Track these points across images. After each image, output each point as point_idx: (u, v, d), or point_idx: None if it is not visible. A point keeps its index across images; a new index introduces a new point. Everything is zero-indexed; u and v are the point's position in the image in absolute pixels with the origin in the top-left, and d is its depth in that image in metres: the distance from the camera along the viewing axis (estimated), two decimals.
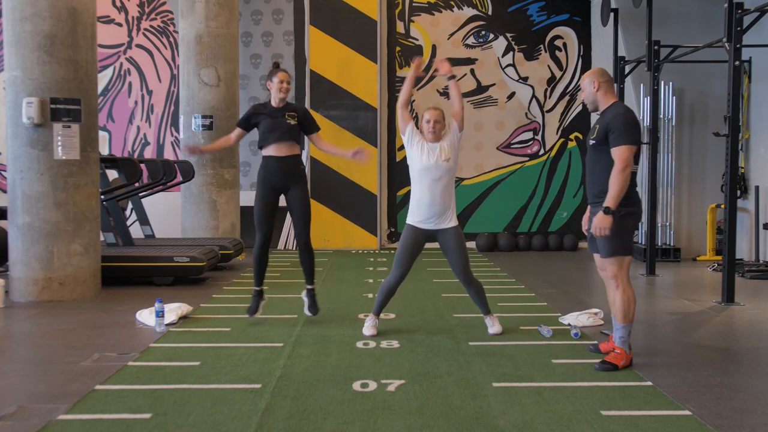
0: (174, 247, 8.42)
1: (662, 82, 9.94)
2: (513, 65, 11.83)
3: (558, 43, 11.86)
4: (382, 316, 6.09)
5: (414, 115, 11.74)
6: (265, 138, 5.62)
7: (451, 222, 5.24)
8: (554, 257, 10.78)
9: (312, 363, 4.61)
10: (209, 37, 9.85)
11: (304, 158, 11.37)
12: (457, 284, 7.55)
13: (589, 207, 4.71)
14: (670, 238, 10.39)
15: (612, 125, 4.40)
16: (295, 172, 5.66)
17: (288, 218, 10.74)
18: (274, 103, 5.68)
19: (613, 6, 10.24)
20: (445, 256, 5.35)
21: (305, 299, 5.90)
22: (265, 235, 5.67)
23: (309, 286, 5.89)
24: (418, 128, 5.37)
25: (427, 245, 5.44)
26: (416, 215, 5.25)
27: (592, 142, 4.55)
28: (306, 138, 5.98)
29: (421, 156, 5.20)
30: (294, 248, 5.93)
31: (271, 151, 5.61)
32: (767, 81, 9.59)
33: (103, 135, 11.79)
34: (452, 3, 11.82)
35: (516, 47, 11.83)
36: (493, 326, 5.41)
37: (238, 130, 5.79)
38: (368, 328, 5.43)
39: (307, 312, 5.86)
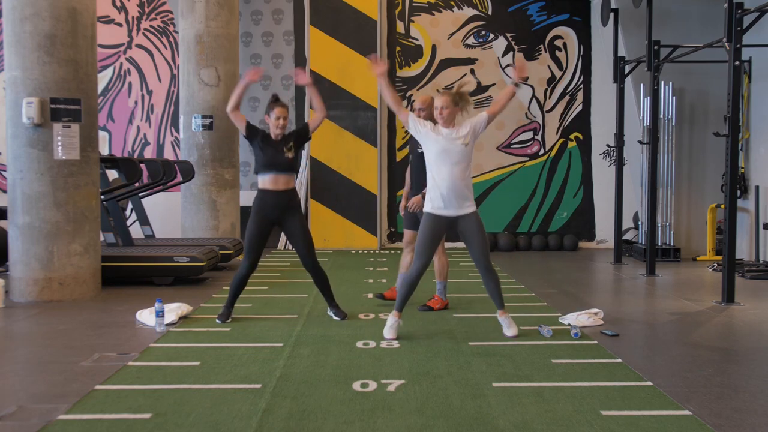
0: (174, 247, 8.41)
1: (662, 82, 9.95)
2: (513, 65, 11.82)
3: (558, 43, 11.85)
4: (381, 315, 6.09)
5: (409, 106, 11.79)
6: (262, 168, 5.69)
7: (471, 207, 5.23)
8: (554, 257, 10.78)
9: (312, 363, 4.61)
10: (209, 37, 9.85)
11: (304, 158, 11.39)
12: (458, 284, 7.54)
13: (415, 196, 6.12)
14: (670, 238, 10.39)
15: None
16: (291, 204, 5.75)
17: None
18: (273, 136, 5.73)
19: (613, 6, 10.24)
20: (466, 244, 5.29)
21: (330, 313, 6.02)
22: (251, 264, 5.77)
23: (332, 305, 6.01)
24: (418, 117, 5.41)
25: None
26: (436, 202, 5.19)
27: (419, 150, 5.83)
28: (307, 141, 6.10)
29: (437, 139, 5.16)
30: (293, 249, 5.96)
31: (267, 183, 5.68)
32: (767, 81, 9.60)
33: (103, 135, 11.79)
34: (452, 3, 11.81)
35: (516, 47, 11.82)
36: (510, 328, 5.30)
37: (244, 118, 5.76)
38: (389, 330, 5.27)
39: (336, 318, 5.94)
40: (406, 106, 11.66)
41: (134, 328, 5.68)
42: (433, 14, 11.81)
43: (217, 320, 5.80)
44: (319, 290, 6.02)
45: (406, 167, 6.64)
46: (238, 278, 5.84)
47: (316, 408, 3.75)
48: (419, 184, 6.07)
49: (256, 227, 5.72)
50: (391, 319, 5.33)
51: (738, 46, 6.82)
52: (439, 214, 5.20)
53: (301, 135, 5.88)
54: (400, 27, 11.82)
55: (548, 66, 11.83)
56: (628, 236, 11.23)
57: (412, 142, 6.12)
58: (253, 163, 6.40)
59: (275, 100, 5.75)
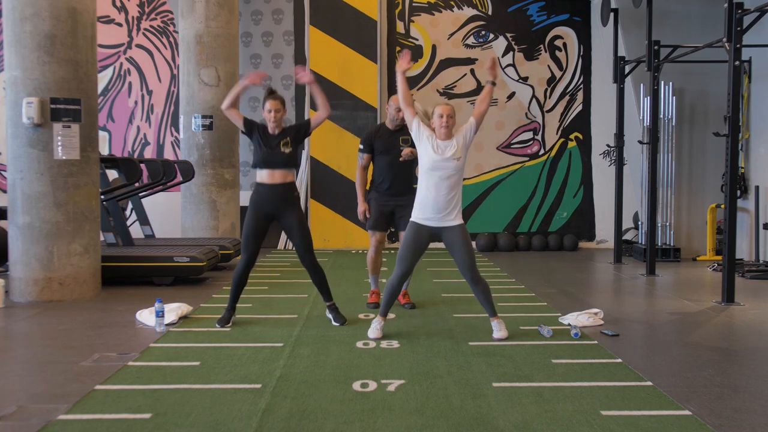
0: (174, 247, 8.41)
1: (662, 82, 9.95)
2: (513, 65, 11.83)
3: (558, 43, 11.85)
4: None
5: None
6: (259, 163, 5.62)
7: (456, 220, 5.17)
8: (554, 257, 10.78)
9: (312, 363, 4.61)
10: (209, 37, 9.85)
11: (303, 157, 11.39)
12: (457, 284, 7.54)
13: (386, 199, 6.22)
14: (670, 238, 10.39)
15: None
16: (288, 198, 5.63)
17: None
18: (270, 130, 5.65)
19: (613, 6, 10.24)
20: (451, 255, 5.28)
21: (329, 315, 5.89)
22: (249, 258, 5.66)
23: (328, 303, 5.89)
24: (425, 124, 5.29)
25: (431, 245, 5.43)
26: (421, 212, 5.19)
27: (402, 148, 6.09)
28: (306, 140, 5.99)
29: (431, 152, 5.13)
30: (293, 248, 6.04)
31: (264, 178, 5.60)
32: (767, 81, 9.60)
33: (103, 135, 11.79)
34: (452, 3, 11.82)
35: (516, 47, 11.82)
36: (499, 330, 5.29)
37: (241, 114, 5.73)
38: (374, 331, 5.32)
39: (335, 324, 5.78)
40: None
41: (134, 328, 5.68)
42: (433, 14, 11.82)
43: (216, 324, 5.68)
44: (317, 289, 5.91)
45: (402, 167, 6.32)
46: (236, 275, 5.75)
47: (316, 408, 3.75)
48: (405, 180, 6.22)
49: (252, 222, 5.63)
50: (376, 322, 5.37)
51: (738, 46, 6.82)
52: (422, 224, 5.20)
53: (301, 131, 5.78)
54: (400, 27, 11.82)
55: (548, 66, 11.83)
56: (628, 236, 11.23)
57: (381, 143, 6.24)
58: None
59: (269, 93, 5.69)
